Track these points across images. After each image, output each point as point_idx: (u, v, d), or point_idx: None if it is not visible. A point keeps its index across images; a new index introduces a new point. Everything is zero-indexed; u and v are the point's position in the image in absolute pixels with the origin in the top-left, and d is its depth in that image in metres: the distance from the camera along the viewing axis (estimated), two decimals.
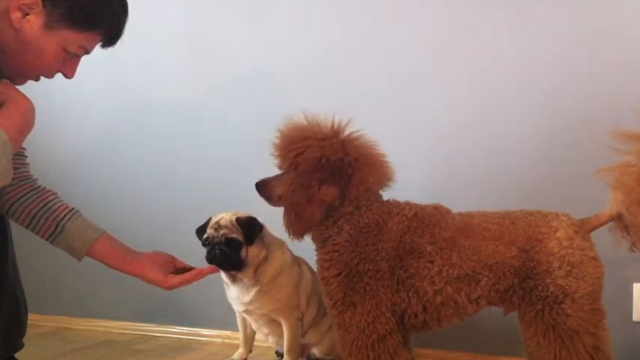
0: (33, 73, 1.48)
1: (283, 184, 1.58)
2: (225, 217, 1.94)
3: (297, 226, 1.58)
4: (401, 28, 2.23)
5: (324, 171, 1.52)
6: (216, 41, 2.50)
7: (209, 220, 1.97)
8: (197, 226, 1.98)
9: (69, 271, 2.68)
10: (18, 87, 1.50)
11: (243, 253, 1.92)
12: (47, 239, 1.72)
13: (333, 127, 1.57)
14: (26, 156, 1.74)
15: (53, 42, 1.42)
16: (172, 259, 1.75)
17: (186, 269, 1.73)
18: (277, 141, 1.60)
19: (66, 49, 1.45)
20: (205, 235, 1.93)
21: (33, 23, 1.39)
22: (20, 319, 1.79)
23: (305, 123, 1.59)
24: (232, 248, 1.90)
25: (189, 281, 1.68)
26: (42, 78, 1.53)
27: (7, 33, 1.36)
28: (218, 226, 1.92)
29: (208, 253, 1.90)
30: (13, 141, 1.34)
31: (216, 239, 1.91)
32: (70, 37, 1.43)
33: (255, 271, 1.96)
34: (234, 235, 1.91)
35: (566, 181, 2.01)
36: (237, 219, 1.93)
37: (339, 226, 1.55)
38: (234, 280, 1.99)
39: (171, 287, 1.68)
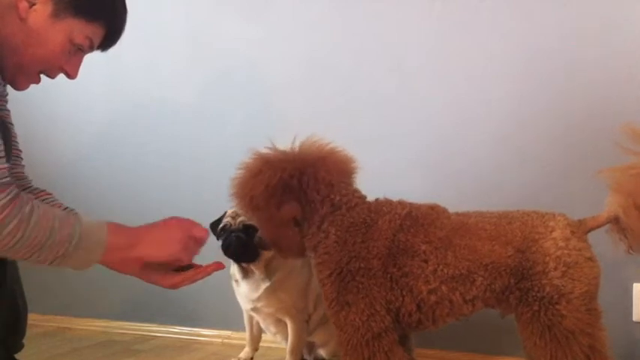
0: (38, 67, 1.46)
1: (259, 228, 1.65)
2: None
3: (286, 254, 1.65)
4: (402, 28, 2.23)
5: (275, 195, 1.54)
6: (217, 42, 2.50)
7: (225, 213, 1.96)
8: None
9: (69, 271, 2.66)
10: (21, 91, 1.50)
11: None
12: None
13: (276, 155, 1.59)
14: (22, 158, 1.74)
15: (60, 31, 1.41)
16: None
17: (191, 266, 1.62)
18: (234, 199, 1.62)
19: (72, 41, 1.44)
20: (222, 224, 1.92)
21: (40, 13, 1.38)
22: (19, 319, 1.78)
23: (245, 170, 1.60)
24: (249, 236, 1.88)
25: (191, 279, 1.58)
26: (42, 81, 1.52)
27: (14, 25, 1.35)
28: (236, 215, 1.92)
29: (224, 241, 1.89)
30: (109, 251, 1.38)
31: (233, 227, 1.90)
32: (76, 26, 1.43)
33: (267, 266, 1.96)
34: (252, 223, 1.89)
35: (565, 182, 2.01)
36: None
37: (325, 230, 1.55)
38: (245, 275, 1.98)
39: (172, 286, 1.58)
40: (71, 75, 1.51)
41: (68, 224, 1.30)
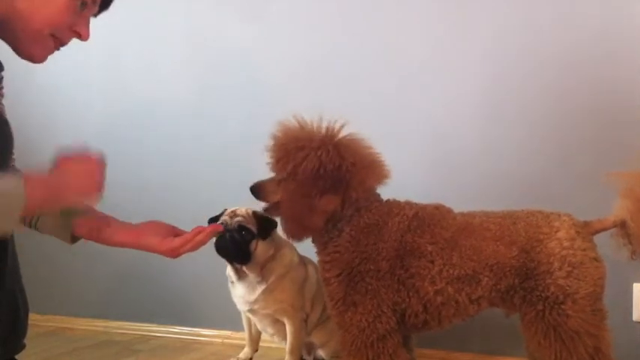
0: (47, 29, 1.43)
1: (282, 193, 1.56)
2: (242, 208, 1.93)
3: (298, 233, 1.58)
4: (401, 29, 2.23)
5: (324, 181, 1.50)
6: (216, 41, 2.50)
7: (224, 210, 1.96)
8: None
9: (69, 271, 2.68)
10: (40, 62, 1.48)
11: (252, 245, 1.92)
12: (30, 226, 1.64)
13: (327, 131, 1.55)
14: (14, 159, 1.73)
15: None
16: (173, 229, 1.60)
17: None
18: (273, 147, 1.58)
19: None
20: (219, 222, 1.91)
21: None
22: (20, 321, 1.77)
23: (298, 128, 1.56)
24: (243, 237, 1.90)
25: (193, 242, 1.52)
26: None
27: None
28: (234, 215, 1.92)
29: (218, 239, 1.88)
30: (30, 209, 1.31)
31: (229, 226, 1.90)
32: None
33: (262, 268, 1.96)
34: (248, 225, 1.91)
35: (565, 182, 2.01)
36: (254, 212, 1.92)
37: (340, 229, 1.55)
38: (239, 276, 1.98)
39: (172, 250, 1.53)
40: (83, 35, 1.49)
41: None
